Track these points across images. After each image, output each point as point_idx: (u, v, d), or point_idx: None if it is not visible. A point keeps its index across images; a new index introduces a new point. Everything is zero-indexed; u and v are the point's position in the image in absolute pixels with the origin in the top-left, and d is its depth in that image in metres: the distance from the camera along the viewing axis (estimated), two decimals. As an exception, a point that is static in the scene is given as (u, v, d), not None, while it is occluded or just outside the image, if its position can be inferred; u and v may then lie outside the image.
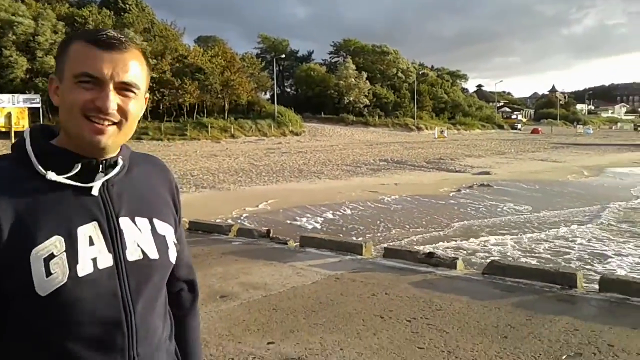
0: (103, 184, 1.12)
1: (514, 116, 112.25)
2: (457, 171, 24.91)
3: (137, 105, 1.12)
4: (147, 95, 1.20)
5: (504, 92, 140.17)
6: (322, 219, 12.68)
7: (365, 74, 73.36)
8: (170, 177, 1.32)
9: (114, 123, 1.08)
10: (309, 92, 75.14)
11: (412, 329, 4.18)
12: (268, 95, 71.06)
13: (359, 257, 6.58)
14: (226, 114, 56.14)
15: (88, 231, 1.07)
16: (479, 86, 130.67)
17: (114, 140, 1.10)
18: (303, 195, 16.10)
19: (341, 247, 6.90)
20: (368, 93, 73.23)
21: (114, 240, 1.10)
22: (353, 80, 71.47)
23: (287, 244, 7.48)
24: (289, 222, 12.08)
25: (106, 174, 1.12)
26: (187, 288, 1.39)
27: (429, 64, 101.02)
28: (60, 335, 1.05)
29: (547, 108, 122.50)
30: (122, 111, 1.08)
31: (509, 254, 9.28)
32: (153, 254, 1.15)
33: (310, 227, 11.57)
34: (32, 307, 1.03)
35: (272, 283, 5.50)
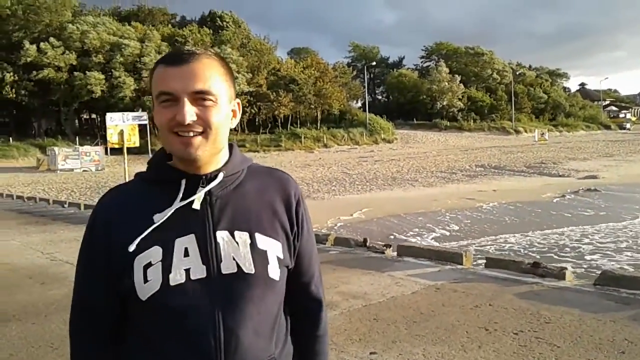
0: (205, 198, 1.18)
1: (621, 115, 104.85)
2: (560, 175, 23.69)
3: (218, 112, 1.14)
4: (237, 101, 1.23)
5: (610, 89, 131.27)
6: (420, 227, 12.52)
7: (458, 77, 71.67)
8: (289, 191, 1.29)
9: (200, 133, 1.13)
10: (401, 99, 74.60)
11: (519, 343, 4.02)
12: (359, 104, 71.36)
13: (459, 266, 6.43)
14: (319, 124, 56.99)
15: (185, 243, 1.15)
16: (582, 84, 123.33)
17: (203, 150, 1.14)
18: (397, 204, 15.99)
19: (440, 256, 6.77)
20: (462, 96, 71.51)
21: (209, 253, 1.15)
22: (446, 84, 70.07)
23: (384, 253, 7.46)
24: (384, 230, 12.03)
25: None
26: (313, 307, 1.36)
27: (526, 64, 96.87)
28: (158, 337, 1.15)
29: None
30: (203, 120, 1.12)
31: (622, 263, 8.67)
32: (249, 268, 1.16)
33: (407, 236, 11.45)
34: (137, 309, 1.16)
35: (371, 292, 5.50)
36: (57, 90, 44.37)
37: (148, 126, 38.96)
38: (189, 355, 1.13)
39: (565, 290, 5.34)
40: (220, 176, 1.19)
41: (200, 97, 1.12)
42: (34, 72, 42.43)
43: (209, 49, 1.28)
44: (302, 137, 50.87)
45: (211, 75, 1.14)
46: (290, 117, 55.91)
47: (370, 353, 3.95)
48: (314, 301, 1.36)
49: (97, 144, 40.33)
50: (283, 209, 1.26)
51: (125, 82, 44.93)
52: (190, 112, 1.11)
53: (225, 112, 1.17)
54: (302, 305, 1.35)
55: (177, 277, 1.12)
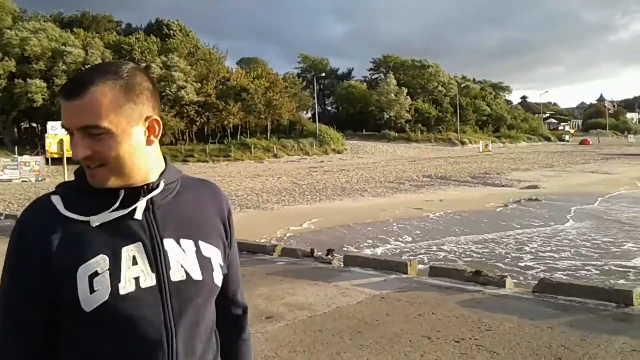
0: (147, 208, 1.15)
1: (560, 127, 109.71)
2: (503, 185, 24.41)
3: (115, 142, 1.09)
4: (154, 117, 1.15)
5: (549, 103, 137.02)
6: (367, 238, 12.61)
7: (405, 89, 73.14)
8: (222, 202, 1.31)
9: (100, 165, 1.10)
10: (350, 110, 75.47)
11: (460, 350, 4.08)
12: (309, 114, 71.75)
13: (404, 276, 6.50)
14: (269, 134, 56.91)
15: (132, 251, 1.11)
16: (524, 97, 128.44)
17: (108, 179, 1.11)
18: (347, 214, 16.07)
19: (385, 265, 6.83)
20: (409, 108, 72.97)
21: (158, 260, 1.13)
22: (394, 95, 71.36)
23: (331, 263, 7.47)
24: (334, 241, 12.06)
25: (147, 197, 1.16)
26: (238, 312, 1.39)
27: (471, 77, 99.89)
28: (104, 350, 1.09)
29: (595, 118, 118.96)
30: (98, 154, 1.09)
31: (560, 270, 8.98)
32: (197, 275, 1.16)
33: (357, 246, 11.51)
34: (79, 321, 1.09)
35: (317, 303, 5.48)
36: (-5, 98, 42.62)
37: (92, 135, 37.94)
38: None
39: (505, 298, 5.48)
40: (162, 185, 1.18)
41: (89, 133, 1.08)
42: (-30, 79, 40.62)
43: (113, 63, 1.09)
44: (252, 147, 50.64)
45: (101, 106, 1.08)
46: (239, 127, 55.58)
47: (314, 365, 3.92)
48: (240, 307, 1.39)
49: (37, 154, 38.87)
50: (218, 218, 1.28)
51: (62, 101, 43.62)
52: (81, 149, 1.09)
53: (130, 138, 1.11)
54: (229, 311, 1.36)
55: (127, 286, 1.09)
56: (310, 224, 14.23)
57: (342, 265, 7.30)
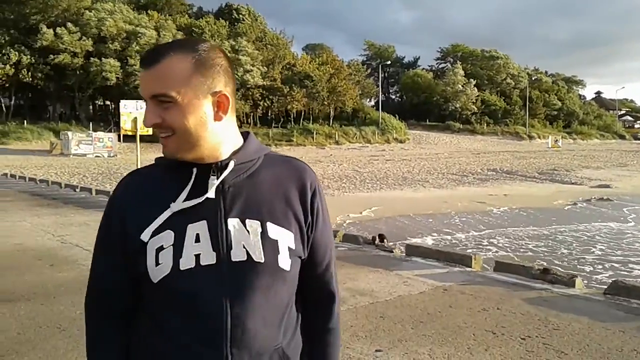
0: (218, 186, 1.17)
1: (637, 125, 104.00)
2: (572, 183, 23.51)
3: (182, 112, 1.12)
4: (223, 92, 1.16)
5: (626, 99, 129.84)
6: (427, 229, 12.48)
7: (473, 81, 71.34)
8: (305, 181, 1.26)
9: (170, 134, 1.14)
10: (414, 99, 74.39)
11: (526, 348, 3.99)
12: (373, 102, 71.30)
13: (467, 269, 6.39)
14: (331, 121, 56.98)
15: (196, 229, 1.15)
16: (598, 93, 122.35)
17: (178, 149, 1.15)
18: (407, 204, 15.95)
19: (449, 258, 6.74)
20: (476, 100, 71.13)
21: (220, 239, 1.15)
22: (460, 86, 69.75)
23: (392, 252, 7.44)
24: (394, 230, 12.00)
25: (218, 177, 1.17)
26: (325, 299, 1.34)
27: (542, 69, 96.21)
28: (170, 319, 1.16)
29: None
30: (167, 122, 1.13)
31: (634, 273, 8.59)
32: (258, 256, 1.15)
33: (416, 236, 11.42)
34: (149, 291, 1.18)
35: (378, 290, 5.49)
36: (73, 76, 44.64)
37: (161, 115, 39.13)
38: (195, 339, 1.14)
39: (574, 298, 5.29)
40: (231, 164, 1.18)
41: (160, 100, 1.12)
42: (51, 57, 42.69)
43: (191, 40, 1.10)
44: (314, 133, 50.89)
45: (170, 75, 1.11)
46: (302, 113, 55.94)
47: (376, 350, 3.94)
48: (327, 293, 1.34)
49: (110, 131, 40.59)
50: (297, 199, 1.24)
51: (140, 71, 45.17)
52: (151, 116, 1.14)
53: (195, 111, 1.13)
54: (315, 297, 1.33)
55: (187, 262, 1.13)
56: (370, 212, 14.22)
57: (404, 254, 7.26)
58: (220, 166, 1.18)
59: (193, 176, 1.17)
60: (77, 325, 4.47)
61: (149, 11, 51.97)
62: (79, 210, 11.38)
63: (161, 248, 1.14)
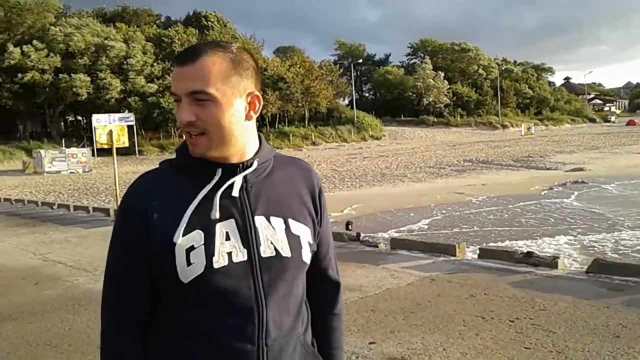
0: (242, 186, 1.20)
1: (606, 108, 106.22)
2: (547, 169, 23.90)
3: (218, 111, 1.14)
4: (255, 93, 1.21)
5: (594, 83, 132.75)
6: (409, 223, 12.58)
7: (442, 74, 72.04)
8: (313, 180, 1.34)
9: (202, 133, 1.15)
10: (388, 96, 74.84)
11: (516, 329, 4.08)
12: (347, 101, 71.45)
13: (452, 258, 6.49)
14: (306, 122, 57.02)
15: (226, 227, 1.17)
16: (567, 79, 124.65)
17: (208, 148, 1.16)
18: (387, 199, 16.05)
19: (433, 248, 6.83)
20: (448, 93, 71.85)
21: (249, 237, 1.18)
22: (431, 80, 70.39)
23: (377, 246, 7.50)
24: (376, 227, 12.08)
25: (241, 176, 1.21)
26: (331, 289, 1.42)
27: (511, 59, 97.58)
28: (199, 318, 1.17)
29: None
30: (202, 120, 1.14)
31: (610, 251, 8.78)
32: (286, 252, 1.20)
33: (399, 231, 11.50)
34: (177, 292, 1.17)
35: (367, 285, 5.54)
36: (42, 93, 44.01)
37: (135, 127, 38.72)
38: (231, 335, 1.16)
39: (558, 279, 5.42)
40: (255, 164, 1.22)
41: (197, 98, 1.14)
42: (19, 75, 42.01)
43: (222, 41, 1.16)
44: (290, 135, 50.93)
45: (209, 73, 1.13)
46: (277, 116, 55.87)
47: (370, 343, 3.98)
48: (332, 283, 1.42)
49: (83, 146, 40.07)
50: (309, 197, 1.31)
51: (111, 84, 44.70)
52: (186, 114, 1.14)
53: (230, 109, 1.16)
54: (321, 288, 1.39)
55: (220, 260, 1.15)
56: (351, 210, 14.27)
57: (389, 248, 7.33)
58: (245, 166, 1.21)
59: (217, 176, 1.19)
60: (67, 342, 4.43)
61: (116, 24, 51.41)
62: (58, 227, 11.22)
63: (192, 248, 1.14)
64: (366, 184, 20.43)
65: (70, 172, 33.80)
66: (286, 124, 55.66)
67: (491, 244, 8.65)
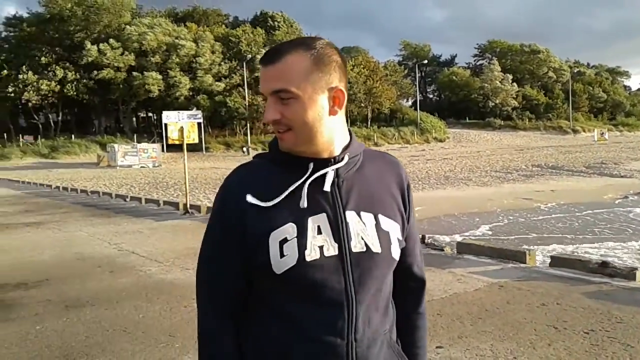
0: (334, 181, 1.22)
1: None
2: (622, 176, 22.82)
3: (301, 108, 1.16)
4: (339, 87, 1.20)
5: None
6: (474, 227, 12.33)
7: (510, 76, 70.00)
8: (402, 176, 1.33)
9: (288, 129, 1.18)
10: (453, 97, 73.53)
11: (591, 341, 3.92)
12: (410, 102, 70.69)
13: (522, 265, 6.30)
14: (369, 122, 56.88)
15: (318, 221, 1.19)
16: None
17: (295, 143, 1.19)
18: (451, 203, 15.78)
19: (502, 254, 6.66)
20: (516, 95, 69.77)
21: (340, 231, 1.19)
22: (499, 82, 68.55)
23: (443, 250, 7.40)
24: (439, 230, 11.91)
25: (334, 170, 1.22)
26: (416, 286, 1.42)
27: (584, 61, 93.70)
28: (291, 309, 1.19)
29: None
30: (286, 118, 1.17)
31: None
32: (376, 247, 1.20)
33: (463, 236, 11.30)
34: (270, 282, 1.19)
35: (433, 288, 5.47)
36: (116, 89, 46.02)
37: (202, 124, 39.84)
38: (321, 328, 1.17)
39: (636, 291, 5.16)
40: (346, 158, 1.23)
41: (280, 96, 1.16)
42: (95, 72, 44.10)
43: (308, 38, 1.15)
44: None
45: (292, 72, 1.16)
46: (340, 116, 55.98)
47: (437, 347, 3.94)
48: (417, 280, 1.41)
49: (154, 142, 41.56)
50: (398, 192, 1.31)
51: (181, 82, 46.15)
52: (271, 112, 1.18)
53: (314, 106, 1.18)
54: (406, 285, 1.38)
55: (312, 253, 1.16)
56: (414, 213, 14.12)
57: (455, 252, 7.21)
58: (336, 160, 1.22)
59: (309, 170, 1.21)
60: (141, 328, 4.62)
61: (187, 23, 53.05)
62: (131, 219, 11.72)
63: (285, 240, 1.16)
64: (429, 187, 20.16)
65: (141, 167, 35.17)
66: (349, 124, 55.51)
67: (561, 252, 8.35)
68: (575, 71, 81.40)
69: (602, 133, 59.16)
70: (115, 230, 10.16)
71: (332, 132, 1.22)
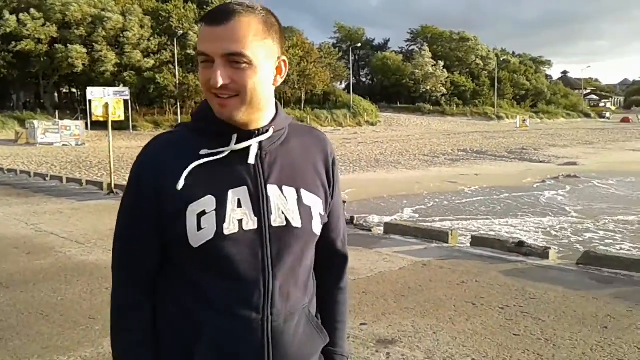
0: (257, 153, 1.19)
1: (602, 104, 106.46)
2: (541, 162, 24.03)
3: (254, 74, 1.11)
4: (283, 58, 1.19)
5: (590, 78, 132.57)
6: (402, 209, 12.64)
7: (442, 62, 71.77)
8: (327, 151, 1.31)
9: (235, 95, 1.11)
10: (385, 82, 74.47)
11: (505, 317, 4.13)
12: (344, 85, 71.07)
13: (445, 245, 6.54)
14: (302, 105, 56.76)
15: (238, 194, 1.16)
16: (564, 72, 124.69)
17: (238, 111, 1.13)
18: (381, 185, 16.10)
19: (426, 234, 6.88)
20: (445, 82, 71.65)
21: (261, 205, 1.16)
22: (430, 68, 70.13)
23: (371, 230, 7.55)
24: (369, 212, 12.13)
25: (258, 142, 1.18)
26: (338, 261, 1.41)
27: (510, 50, 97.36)
28: (208, 283, 1.16)
29: (638, 95, 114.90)
30: (237, 83, 1.10)
31: (602, 241, 8.88)
32: (296, 222, 1.18)
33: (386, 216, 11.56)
34: (186, 256, 1.16)
35: (359, 268, 5.58)
36: (37, 63, 43.41)
37: (129, 102, 38.41)
38: (237, 301, 1.15)
39: (549, 269, 5.48)
40: (271, 131, 1.19)
41: (233, 60, 1.10)
42: (13, 43, 41.46)
43: (245, 3, 1.09)
44: (286, 117, 50.68)
45: (246, 35, 1.10)
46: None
47: (361, 324, 4.03)
48: (340, 256, 1.41)
49: (77, 119, 39.75)
50: (323, 168, 1.29)
51: (107, 57, 44.13)
52: (222, 76, 1.10)
53: (264, 73, 1.14)
54: (329, 260, 1.38)
55: (230, 227, 1.14)
56: (344, 195, 14.29)
57: (382, 232, 7.37)
58: (260, 132, 1.18)
59: (232, 142, 1.17)
60: (59, 311, 4.45)
61: (114, -5, 50.68)
62: (51, 198, 11.19)
63: (203, 213, 1.13)
64: (360, 169, 20.46)
65: (63, 145, 33.55)
66: (282, 106, 55.35)
67: (482, 233, 8.71)
68: (501, 59, 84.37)
69: (524, 120, 61.92)
70: (33, 210, 9.67)
71: (268, 101, 1.19)
